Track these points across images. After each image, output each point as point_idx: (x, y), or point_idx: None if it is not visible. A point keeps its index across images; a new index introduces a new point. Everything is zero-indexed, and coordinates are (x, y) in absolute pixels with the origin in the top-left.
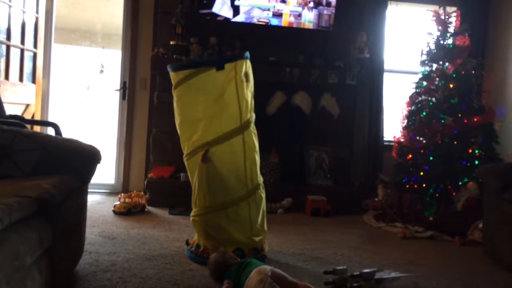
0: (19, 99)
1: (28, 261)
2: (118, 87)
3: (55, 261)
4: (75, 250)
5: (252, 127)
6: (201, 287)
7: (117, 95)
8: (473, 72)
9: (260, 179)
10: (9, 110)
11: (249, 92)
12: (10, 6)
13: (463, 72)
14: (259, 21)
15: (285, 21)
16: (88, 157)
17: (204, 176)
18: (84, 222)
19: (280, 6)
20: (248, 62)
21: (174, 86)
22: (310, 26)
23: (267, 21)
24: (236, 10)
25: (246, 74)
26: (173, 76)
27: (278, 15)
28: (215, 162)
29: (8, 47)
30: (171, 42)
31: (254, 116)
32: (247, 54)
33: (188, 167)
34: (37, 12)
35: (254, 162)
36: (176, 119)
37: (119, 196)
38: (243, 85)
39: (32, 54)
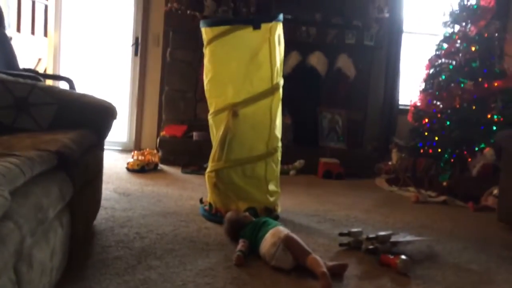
0: (30, 53)
1: (50, 214)
2: (131, 43)
3: (75, 214)
4: (94, 204)
5: (280, 92)
6: (217, 245)
7: (129, 52)
8: (496, 34)
9: (279, 142)
10: (21, 64)
11: (279, 56)
12: None
13: (486, 35)
14: None
15: None
16: (105, 113)
17: (228, 132)
18: (101, 177)
19: None
20: (281, 25)
21: (207, 43)
22: None
23: None
24: None
25: (279, 37)
26: (207, 32)
27: None
28: (241, 121)
29: None
30: None
31: (282, 81)
32: (281, 16)
33: (213, 124)
34: None
35: (276, 125)
36: (206, 75)
37: (132, 153)
38: (276, 48)
39: (43, 6)
